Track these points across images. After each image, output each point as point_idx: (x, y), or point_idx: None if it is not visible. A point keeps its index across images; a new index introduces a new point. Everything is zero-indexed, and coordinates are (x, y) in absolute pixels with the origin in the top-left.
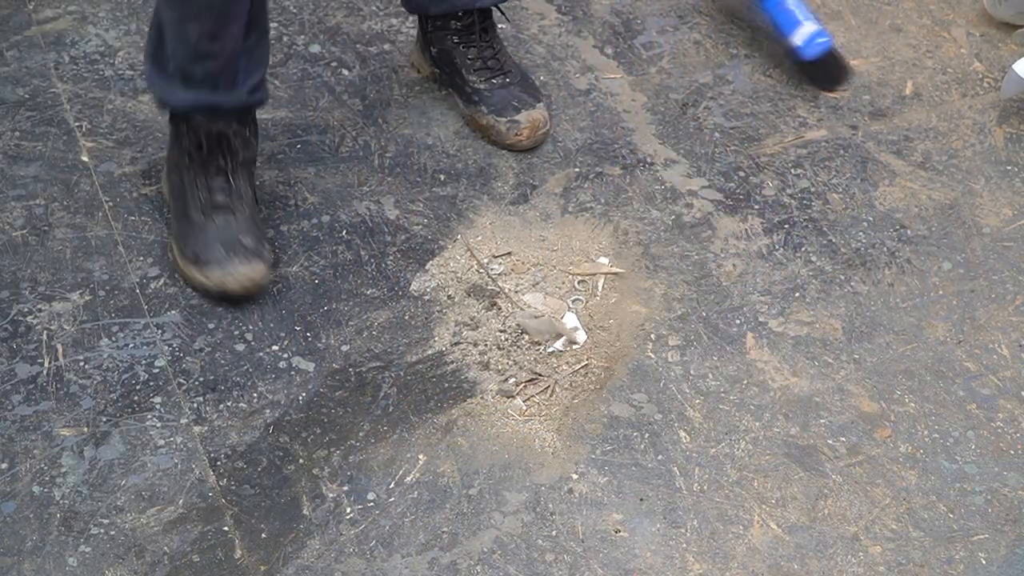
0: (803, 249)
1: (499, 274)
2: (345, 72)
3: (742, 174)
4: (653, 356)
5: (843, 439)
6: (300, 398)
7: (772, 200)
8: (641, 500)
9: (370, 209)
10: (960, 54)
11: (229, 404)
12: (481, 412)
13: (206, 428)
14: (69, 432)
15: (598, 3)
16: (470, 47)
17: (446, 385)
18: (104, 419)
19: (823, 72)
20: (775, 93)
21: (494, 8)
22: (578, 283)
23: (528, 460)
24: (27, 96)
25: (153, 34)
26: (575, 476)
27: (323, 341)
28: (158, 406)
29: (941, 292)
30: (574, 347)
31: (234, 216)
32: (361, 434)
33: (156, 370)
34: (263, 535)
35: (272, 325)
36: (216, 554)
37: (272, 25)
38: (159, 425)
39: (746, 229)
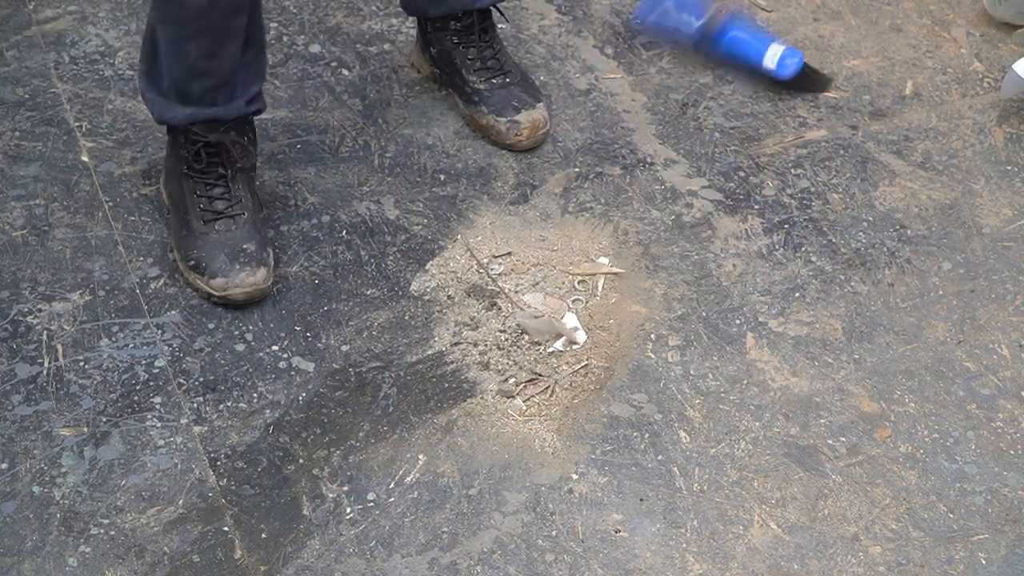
0: (803, 249)
1: (499, 274)
2: (345, 72)
3: (742, 174)
4: (653, 356)
5: (843, 439)
6: (300, 398)
7: (772, 200)
8: (641, 500)
9: (370, 209)
10: (960, 54)
11: (229, 404)
12: (481, 412)
13: (206, 428)
14: (69, 432)
15: (598, 3)
16: (470, 47)
17: (446, 385)
18: (104, 419)
19: (801, 86)
20: (775, 93)
21: (493, 8)
22: (578, 283)
23: (528, 460)
24: (27, 96)
25: (147, 51)
26: (575, 476)
27: (323, 341)
28: (158, 406)
29: (941, 292)
30: (574, 347)
31: (235, 222)
32: (361, 434)
33: (156, 370)
34: (263, 535)
35: (272, 325)
36: (216, 554)
37: (272, 25)
38: (159, 425)
39: (746, 229)
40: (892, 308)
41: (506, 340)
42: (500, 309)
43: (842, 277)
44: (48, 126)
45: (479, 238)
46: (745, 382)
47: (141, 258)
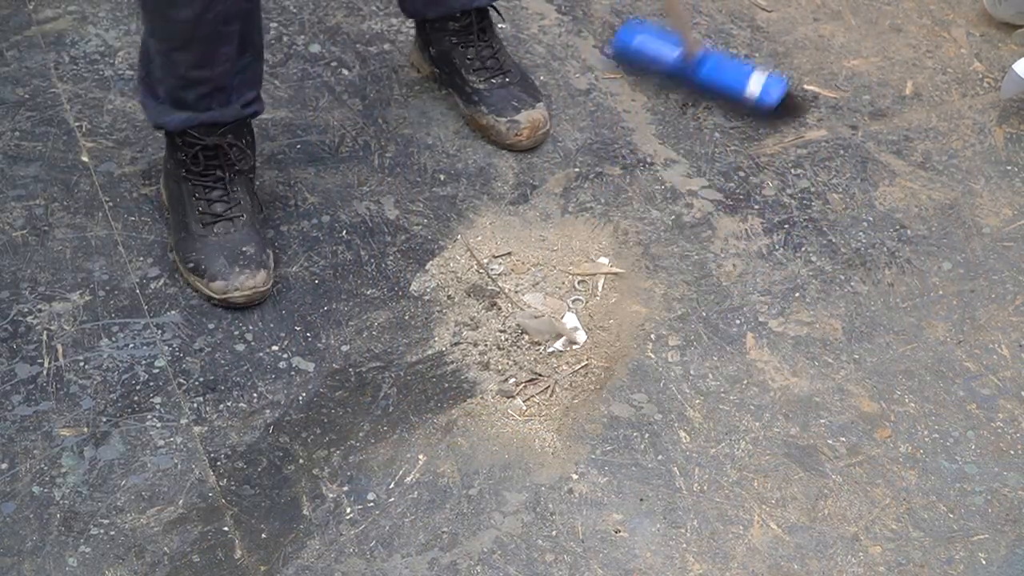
0: (803, 249)
1: (499, 274)
2: (345, 72)
3: (742, 174)
4: (653, 356)
5: (843, 439)
6: (300, 398)
7: (772, 200)
8: (641, 500)
9: (370, 209)
10: (960, 54)
11: (229, 404)
12: (481, 412)
13: (206, 428)
14: (69, 432)
15: (598, 3)
16: (468, 47)
17: (446, 385)
18: (104, 419)
19: (782, 114)
20: None
21: (490, 8)
22: (578, 283)
23: (528, 460)
24: (27, 96)
25: (142, 59)
26: (575, 476)
27: (323, 341)
28: (158, 406)
29: (941, 292)
30: (574, 347)
31: (233, 224)
32: (361, 434)
33: (156, 370)
34: (263, 535)
35: (272, 325)
36: (216, 554)
37: (272, 25)
38: (159, 425)
39: (746, 229)
40: (892, 308)
41: (506, 340)
42: (500, 309)
43: (842, 277)
44: (48, 126)
45: (479, 238)
46: (745, 382)
47: (141, 258)
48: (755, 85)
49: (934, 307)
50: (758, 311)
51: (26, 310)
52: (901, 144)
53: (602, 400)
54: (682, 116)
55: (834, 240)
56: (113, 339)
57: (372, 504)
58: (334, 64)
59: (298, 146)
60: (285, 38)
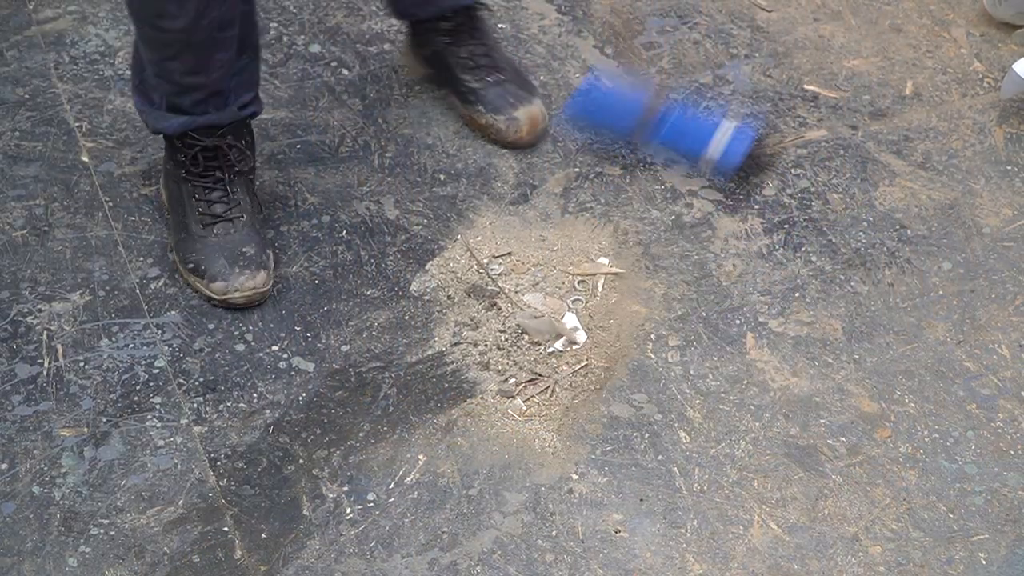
0: (803, 249)
1: (499, 274)
2: (345, 72)
3: (742, 174)
4: (653, 356)
5: (843, 439)
6: (300, 398)
7: (772, 200)
8: (641, 500)
9: (370, 209)
10: (960, 54)
11: (229, 404)
12: (481, 412)
13: (206, 428)
14: (69, 432)
15: (598, 3)
16: (461, 47)
17: (446, 385)
18: (104, 419)
19: (750, 164)
20: (775, 93)
21: (480, 4)
22: (578, 283)
23: (528, 460)
24: (27, 96)
25: (136, 67)
26: (575, 476)
27: (323, 341)
28: (158, 406)
29: (941, 292)
30: (574, 347)
31: (233, 225)
32: (361, 434)
33: (156, 370)
34: (263, 535)
35: (272, 325)
36: (216, 554)
37: (272, 25)
38: (159, 425)
39: (746, 229)
40: (892, 308)
41: (506, 340)
42: (500, 309)
43: (842, 277)
44: (48, 126)
45: (479, 238)
46: (745, 382)
47: (141, 258)
48: (715, 148)
49: (934, 307)
50: (758, 311)
51: (26, 310)
52: (901, 144)
53: (602, 400)
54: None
55: (834, 240)
56: (113, 339)
57: (372, 504)
58: (334, 64)
59: (298, 146)
60: (285, 38)
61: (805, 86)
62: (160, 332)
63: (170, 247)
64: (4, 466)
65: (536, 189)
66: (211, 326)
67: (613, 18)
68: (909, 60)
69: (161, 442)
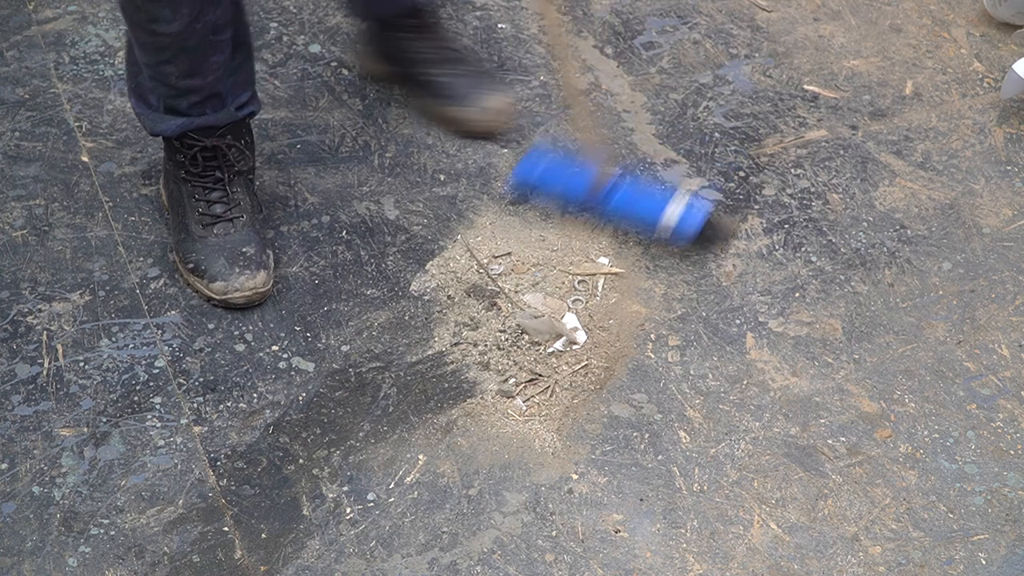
0: (803, 249)
1: (499, 274)
2: (345, 72)
3: (742, 174)
4: (653, 356)
5: (843, 439)
6: (300, 398)
7: (772, 200)
8: (641, 500)
9: (370, 209)
10: (960, 54)
11: (229, 404)
12: (481, 412)
13: (206, 428)
14: (69, 432)
15: (598, 3)
16: (425, 42)
17: (446, 385)
18: (104, 419)
19: (709, 235)
20: (775, 93)
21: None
22: (578, 283)
23: (528, 460)
24: (27, 96)
25: (131, 70)
26: (575, 476)
27: (323, 341)
28: (158, 406)
29: (941, 292)
30: (574, 347)
31: (233, 225)
32: (361, 434)
33: (156, 370)
34: (263, 535)
35: (272, 325)
36: (216, 554)
37: (272, 25)
38: (159, 425)
39: (746, 229)
40: (892, 308)
41: (506, 340)
42: (500, 309)
43: (842, 277)
44: (48, 126)
45: (479, 238)
46: (745, 382)
47: (141, 258)
48: (670, 218)
49: (934, 307)
50: (758, 311)
51: (26, 310)
52: (901, 144)
53: (602, 400)
54: (682, 116)
55: (834, 240)
56: (113, 339)
57: (372, 504)
58: (334, 64)
59: (298, 146)
60: (285, 38)
61: (805, 86)
62: (160, 332)
63: (170, 247)
64: (4, 466)
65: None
66: (211, 326)
67: (613, 18)
68: (909, 60)
69: (161, 442)
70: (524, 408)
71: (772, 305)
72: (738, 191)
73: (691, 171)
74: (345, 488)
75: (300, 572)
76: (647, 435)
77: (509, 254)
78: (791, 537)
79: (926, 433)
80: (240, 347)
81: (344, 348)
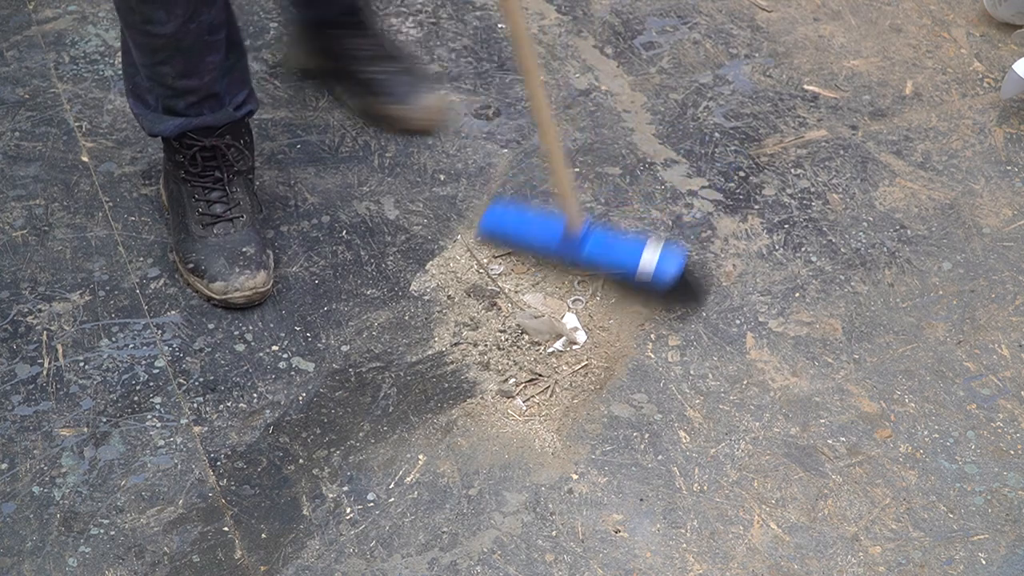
0: (803, 249)
1: (499, 274)
2: None
3: (742, 174)
4: (653, 356)
5: (843, 439)
6: (300, 398)
7: (772, 200)
8: (641, 500)
9: (370, 209)
10: (960, 54)
11: (229, 404)
12: (481, 412)
13: (206, 428)
14: (69, 432)
15: (598, 3)
16: (361, 39)
17: (446, 385)
18: (104, 419)
19: (685, 289)
20: (775, 93)
21: None
22: (578, 283)
23: (528, 460)
24: (27, 96)
25: (128, 71)
26: (575, 476)
27: (323, 341)
28: (158, 406)
29: (941, 292)
30: (574, 347)
31: (233, 225)
32: (361, 434)
33: (156, 370)
34: (263, 535)
35: (272, 325)
36: (216, 554)
37: (272, 25)
38: (159, 425)
39: (746, 229)
40: (892, 308)
41: (506, 340)
42: (500, 309)
43: (842, 277)
44: (48, 126)
45: (479, 238)
46: (745, 382)
47: (141, 258)
48: (647, 265)
49: (934, 307)
50: (758, 311)
51: (26, 310)
52: (901, 144)
53: (602, 400)
54: (682, 116)
55: (834, 240)
56: (113, 339)
57: (372, 504)
58: None
59: (298, 146)
60: (286, 38)
61: (805, 86)
62: (160, 332)
63: (170, 248)
64: (4, 466)
65: (536, 189)
66: (211, 326)
67: (613, 18)
68: (909, 60)
69: (161, 442)
70: (524, 408)
71: (772, 305)
72: (738, 191)
73: (691, 171)
74: (345, 488)
75: (300, 572)
76: (647, 435)
77: (509, 254)
78: (791, 537)
79: (926, 433)
80: (240, 347)
81: (344, 348)
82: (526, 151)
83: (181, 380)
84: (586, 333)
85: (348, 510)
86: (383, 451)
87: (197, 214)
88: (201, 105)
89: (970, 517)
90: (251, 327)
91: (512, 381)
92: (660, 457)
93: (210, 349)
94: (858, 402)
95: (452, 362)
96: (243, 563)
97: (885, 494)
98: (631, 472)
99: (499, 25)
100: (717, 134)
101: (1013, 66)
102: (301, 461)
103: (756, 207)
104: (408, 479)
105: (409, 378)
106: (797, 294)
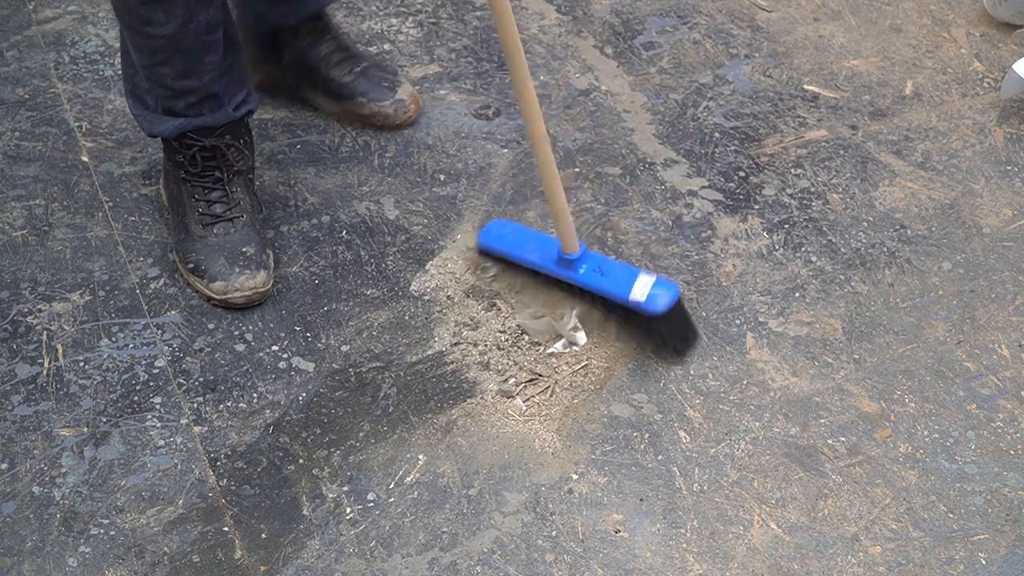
0: (803, 249)
1: (495, 276)
2: None
3: (742, 174)
4: (653, 356)
5: (843, 439)
6: (300, 398)
7: (772, 200)
8: (641, 500)
9: (370, 209)
10: (960, 54)
11: (229, 404)
12: (481, 412)
13: (206, 428)
14: (69, 432)
15: (598, 3)
16: (322, 46)
17: (446, 385)
18: (104, 419)
19: (675, 326)
20: (775, 93)
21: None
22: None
23: (528, 460)
24: (27, 96)
25: (127, 72)
26: (575, 476)
27: (323, 341)
28: (158, 406)
29: (941, 292)
30: (574, 348)
31: (233, 225)
32: (361, 434)
33: (156, 370)
34: (263, 535)
35: (272, 325)
36: (216, 554)
37: None
38: (159, 425)
39: (746, 229)
40: (892, 308)
41: (506, 340)
42: (500, 309)
43: (842, 277)
44: (48, 126)
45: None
46: (745, 382)
47: (141, 258)
48: (640, 290)
49: (934, 307)
50: (758, 311)
51: (26, 310)
52: (901, 144)
53: (602, 400)
54: (682, 116)
55: (834, 240)
56: (113, 339)
57: (372, 504)
58: None
59: (298, 146)
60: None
61: (805, 86)
62: (160, 332)
63: (170, 248)
64: (4, 466)
65: (536, 189)
66: (211, 326)
67: (613, 18)
68: (909, 60)
69: (161, 442)
70: (524, 408)
71: (772, 305)
72: (738, 191)
73: (691, 171)
74: (345, 488)
75: (300, 572)
76: (647, 435)
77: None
78: (791, 537)
79: (926, 433)
80: (240, 347)
81: (344, 348)
82: (526, 151)
83: (181, 380)
84: (586, 334)
85: (348, 510)
86: (383, 451)
87: (197, 214)
88: (200, 105)
89: (970, 517)
90: (251, 327)
91: (512, 381)
92: (660, 457)
93: (210, 349)
94: (858, 402)
95: (452, 362)
96: (243, 563)
97: (885, 494)
98: (631, 472)
99: None
100: (717, 134)
101: (1013, 66)
102: (301, 461)
103: (756, 207)
104: (408, 479)
105: (409, 378)
106: (797, 294)
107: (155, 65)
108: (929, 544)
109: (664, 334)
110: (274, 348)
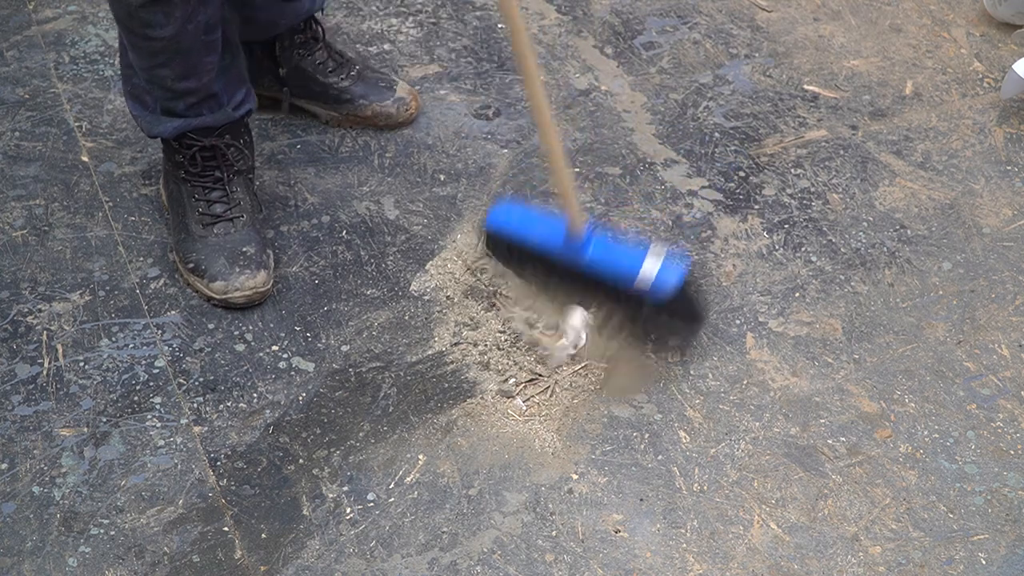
0: (803, 249)
1: (493, 275)
2: None
3: (742, 174)
4: (653, 356)
5: (843, 439)
6: (300, 398)
7: (772, 200)
8: (641, 500)
9: (370, 209)
10: (960, 54)
11: (229, 404)
12: (481, 412)
13: (206, 428)
14: (69, 432)
15: (598, 3)
16: (315, 53)
17: (446, 385)
18: (104, 419)
19: (682, 308)
20: (775, 93)
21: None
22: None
23: (528, 460)
24: (27, 96)
25: (126, 73)
26: (575, 476)
27: (323, 341)
28: (158, 406)
29: (941, 292)
30: (570, 352)
31: (233, 225)
32: (361, 434)
33: (156, 370)
34: (263, 535)
35: (272, 325)
36: (216, 554)
37: None
38: (159, 425)
39: (746, 229)
40: (892, 308)
41: (506, 340)
42: (499, 309)
43: (842, 277)
44: (48, 126)
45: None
46: (745, 382)
47: (141, 258)
48: (648, 272)
49: (934, 307)
50: (758, 311)
51: (26, 310)
52: (901, 144)
53: (602, 400)
54: (682, 116)
55: (834, 240)
56: (113, 339)
57: (372, 504)
58: None
59: (298, 146)
60: None
61: (805, 86)
62: (160, 332)
63: (170, 248)
64: (4, 466)
65: (536, 189)
66: (211, 326)
67: (613, 18)
68: (909, 60)
69: (161, 442)
70: (524, 408)
71: (772, 305)
72: (738, 191)
73: (691, 171)
74: (345, 488)
75: (300, 572)
76: (647, 435)
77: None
78: (791, 537)
79: (926, 433)
80: (240, 347)
81: (344, 348)
82: (526, 151)
83: (181, 380)
84: (586, 335)
85: (348, 510)
86: (383, 451)
87: (197, 214)
88: (200, 106)
89: (970, 517)
90: (251, 327)
91: (512, 381)
92: (660, 457)
93: (210, 349)
94: (858, 402)
95: (452, 362)
96: (243, 563)
97: (885, 494)
98: (631, 472)
99: (499, 25)
100: (717, 134)
101: (1013, 66)
102: (301, 461)
103: (756, 207)
104: (408, 479)
105: (409, 378)
106: (797, 294)
107: (154, 67)
108: (929, 544)
109: (669, 318)
110: (274, 348)
